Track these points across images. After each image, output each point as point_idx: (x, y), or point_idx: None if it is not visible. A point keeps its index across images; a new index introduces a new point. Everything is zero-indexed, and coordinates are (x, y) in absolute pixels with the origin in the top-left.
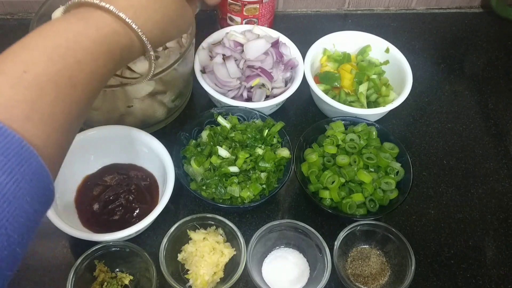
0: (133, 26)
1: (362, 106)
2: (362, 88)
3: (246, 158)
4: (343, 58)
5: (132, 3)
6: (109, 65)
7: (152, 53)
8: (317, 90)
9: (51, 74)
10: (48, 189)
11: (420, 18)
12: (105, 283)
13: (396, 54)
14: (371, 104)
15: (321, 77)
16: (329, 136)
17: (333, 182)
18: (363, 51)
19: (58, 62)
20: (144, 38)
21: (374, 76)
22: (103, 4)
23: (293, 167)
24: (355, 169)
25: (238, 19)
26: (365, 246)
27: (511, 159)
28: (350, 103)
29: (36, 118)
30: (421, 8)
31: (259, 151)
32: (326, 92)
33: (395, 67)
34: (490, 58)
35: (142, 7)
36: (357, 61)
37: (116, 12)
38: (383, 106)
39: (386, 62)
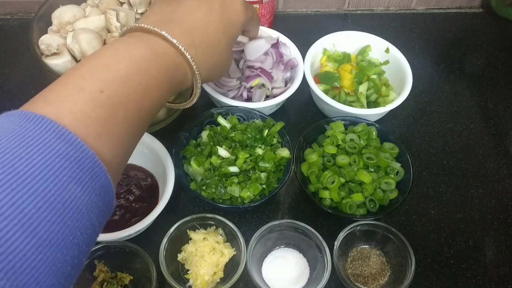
0: (192, 64)
1: (362, 106)
2: (362, 88)
3: (246, 158)
4: (343, 58)
5: (194, 43)
6: (168, 94)
7: (200, 87)
8: (317, 90)
9: (123, 96)
10: (111, 204)
11: (420, 18)
12: (105, 283)
13: (396, 54)
14: (371, 104)
15: (321, 77)
16: (329, 136)
17: (333, 182)
18: (363, 51)
19: (129, 85)
20: (198, 78)
21: (374, 76)
22: (169, 37)
23: (293, 167)
24: (355, 169)
25: None
26: (365, 246)
27: (511, 159)
28: (350, 103)
29: (106, 136)
30: (421, 8)
31: (259, 151)
32: (326, 92)
33: (395, 67)
34: (490, 58)
35: (203, 50)
36: (357, 61)
37: (181, 49)
38: (383, 106)
39: (386, 62)
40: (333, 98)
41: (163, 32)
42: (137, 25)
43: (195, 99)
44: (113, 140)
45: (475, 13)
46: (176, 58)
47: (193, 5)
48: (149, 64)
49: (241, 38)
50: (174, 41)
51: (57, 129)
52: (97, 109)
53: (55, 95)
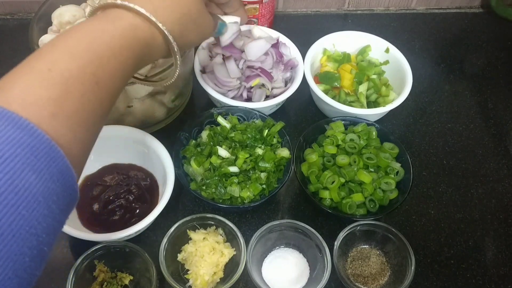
0: (152, 18)
1: (362, 106)
2: (362, 88)
3: (246, 158)
4: (343, 58)
5: (151, 0)
6: (130, 61)
7: (176, 47)
8: (317, 90)
9: (74, 70)
10: (73, 189)
11: (420, 18)
12: (105, 283)
13: (396, 54)
14: (371, 104)
15: (321, 77)
16: (329, 136)
17: (333, 182)
18: (363, 51)
19: (80, 58)
20: (165, 30)
21: (374, 76)
22: (120, 2)
23: (293, 167)
24: (355, 169)
25: None
26: (365, 246)
27: (511, 159)
28: (350, 103)
29: (62, 116)
30: (421, 8)
31: (259, 151)
32: (326, 92)
33: (395, 67)
34: (490, 58)
35: (161, 2)
36: (357, 61)
37: (133, 7)
38: (383, 106)
39: (386, 62)
40: (333, 98)
41: (130, 4)
42: (101, 5)
43: (177, 71)
44: (70, 118)
45: (475, 13)
46: (133, 19)
47: None
48: (100, 32)
49: (231, 19)
50: (125, 3)
51: (6, 115)
52: (49, 88)
53: (7, 80)
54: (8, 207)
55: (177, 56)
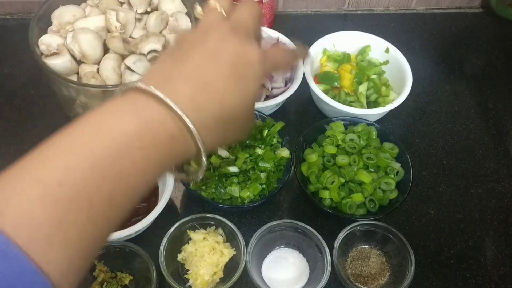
0: (192, 129)
1: (362, 106)
2: (362, 88)
3: (246, 158)
4: (343, 58)
5: (199, 105)
6: (155, 176)
7: (205, 162)
8: (317, 90)
9: (87, 187)
10: None
11: (420, 18)
12: (105, 283)
13: (396, 54)
14: (371, 104)
15: (321, 77)
16: (329, 136)
17: (333, 182)
18: (363, 51)
19: (98, 172)
20: (202, 148)
21: (374, 76)
22: (165, 99)
23: (293, 167)
24: (355, 169)
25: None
26: (365, 246)
27: (511, 159)
28: (350, 103)
29: (60, 242)
30: (421, 8)
31: (259, 151)
32: (326, 92)
33: (395, 67)
34: (490, 58)
35: (210, 112)
36: (357, 61)
37: (180, 113)
38: (383, 106)
39: (386, 62)
40: (333, 98)
41: (158, 93)
42: (133, 84)
43: (203, 172)
44: (69, 245)
45: (475, 13)
46: (173, 126)
47: (199, 59)
48: (130, 141)
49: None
50: (171, 103)
51: None
52: (52, 207)
53: (8, 186)
54: None
55: (204, 160)
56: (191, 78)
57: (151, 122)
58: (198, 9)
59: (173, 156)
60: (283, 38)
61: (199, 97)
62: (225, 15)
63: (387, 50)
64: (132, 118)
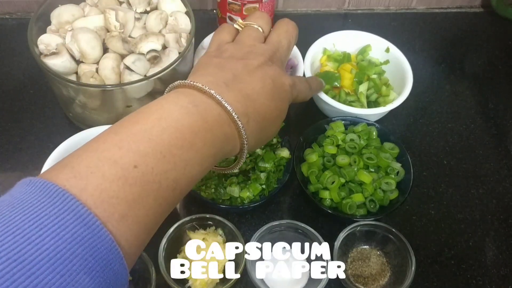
0: (243, 133)
1: (362, 106)
2: (362, 88)
3: (246, 158)
4: (343, 58)
5: (248, 111)
6: (208, 169)
7: (243, 159)
8: None
9: (158, 173)
10: None
11: (420, 17)
12: None
13: (397, 54)
14: (371, 104)
15: (321, 77)
16: (329, 136)
17: (333, 182)
18: (363, 50)
19: (169, 160)
20: (245, 149)
21: (374, 76)
22: (224, 102)
23: (293, 167)
24: (355, 169)
25: (237, 18)
26: (365, 247)
27: (511, 159)
28: (350, 103)
29: (131, 219)
30: (421, 7)
31: (259, 151)
32: (326, 92)
33: (395, 67)
34: (491, 58)
35: (255, 119)
36: (357, 61)
37: (235, 116)
38: (383, 106)
39: (386, 62)
40: (333, 98)
41: (218, 96)
42: (189, 82)
43: (238, 166)
44: (138, 223)
45: (475, 12)
46: (227, 127)
47: (246, 74)
48: (195, 135)
49: None
50: (229, 107)
51: (76, 208)
52: (127, 187)
53: (84, 165)
54: None
55: (243, 160)
56: (240, 91)
57: (211, 121)
58: (239, 20)
59: (223, 153)
60: None
61: (245, 106)
62: (263, 33)
63: (387, 50)
64: (196, 113)
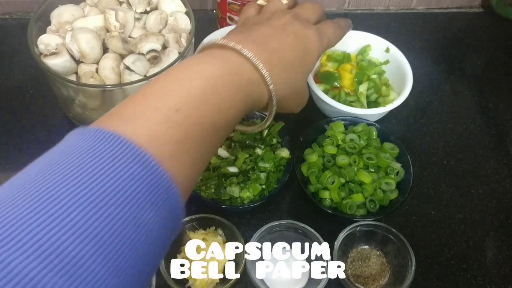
0: (268, 80)
1: (362, 106)
2: (362, 88)
3: (246, 158)
4: (343, 58)
5: (271, 61)
6: (242, 113)
7: (273, 112)
8: (317, 90)
9: (198, 117)
10: (178, 227)
11: (420, 17)
12: None
13: (396, 54)
14: (371, 104)
15: (321, 77)
16: (329, 136)
17: (333, 183)
18: (363, 50)
19: (204, 105)
20: (273, 96)
21: (374, 76)
22: (245, 51)
23: (293, 167)
24: (355, 169)
25: (237, 18)
26: (365, 247)
27: (511, 159)
28: (350, 103)
29: (180, 158)
30: (421, 8)
31: (259, 151)
32: (326, 92)
33: (395, 67)
34: (491, 58)
35: (279, 69)
36: (357, 61)
37: (257, 63)
38: (383, 106)
39: (386, 62)
40: (333, 98)
41: (239, 47)
42: (212, 42)
43: (269, 121)
44: (186, 162)
45: (475, 12)
46: (252, 74)
47: (269, 30)
48: (223, 81)
49: None
50: (250, 54)
51: (132, 149)
52: (172, 129)
53: (130, 112)
54: (128, 242)
55: (273, 113)
56: (262, 44)
57: (235, 69)
58: None
59: (253, 99)
60: None
61: (267, 56)
62: (286, 6)
63: (387, 50)
64: (219, 64)
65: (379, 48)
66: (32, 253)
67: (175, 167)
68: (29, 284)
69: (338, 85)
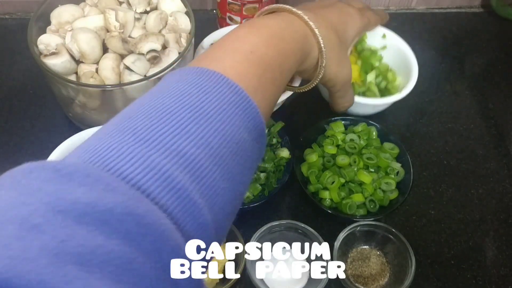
0: (319, 38)
1: (375, 95)
2: (371, 77)
3: None
4: None
5: (321, 25)
6: (298, 63)
7: (323, 69)
8: None
9: (269, 58)
10: (263, 153)
11: (420, 17)
12: None
13: (394, 39)
14: (382, 92)
15: None
16: (329, 136)
17: (333, 183)
18: (360, 40)
19: (272, 49)
20: (324, 53)
21: (378, 64)
22: (300, 13)
23: (293, 167)
24: (355, 169)
25: (237, 18)
26: (365, 247)
27: (511, 159)
28: (362, 94)
29: (260, 92)
30: (421, 7)
31: None
32: None
33: (395, 52)
34: (490, 58)
35: (327, 34)
36: (358, 51)
37: (310, 23)
38: (393, 92)
39: (384, 48)
40: None
41: (295, 9)
42: (269, 8)
43: (316, 81)
44: (264, 96)
45: (475, 13)
46: (304, 28)
47: (318, 5)
48: (284, 31)
49: None
50: (300, 12)
51: (226, 81)
52: (251, 68)
53: (217, 54)
54: (232, 153)
55: (322, 72)
56: (311, 10)
57: (291, 23)
58: None
59: (305, 51)
60: None
61: (315, 17)
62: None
63: (383, 36)
64: (279, 19)
65: (374, 35)
66: (164, 152)
67: (258, 98)
68: (162, 177)
69: None
